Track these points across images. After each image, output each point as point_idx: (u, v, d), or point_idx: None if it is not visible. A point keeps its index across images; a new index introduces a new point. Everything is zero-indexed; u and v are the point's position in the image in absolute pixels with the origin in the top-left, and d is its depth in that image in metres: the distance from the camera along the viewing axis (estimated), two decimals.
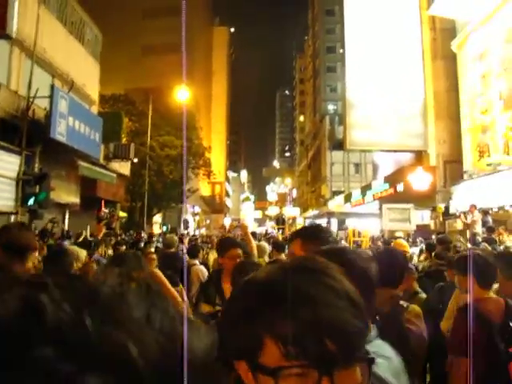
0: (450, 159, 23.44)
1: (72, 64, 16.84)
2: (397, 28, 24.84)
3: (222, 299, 3.26)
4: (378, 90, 24.71)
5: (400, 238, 14.75)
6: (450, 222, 20.64)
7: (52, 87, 12.62)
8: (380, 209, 28.08)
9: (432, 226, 22.36)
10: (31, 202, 11.16)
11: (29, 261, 3.72)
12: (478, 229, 12.23)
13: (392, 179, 26.12)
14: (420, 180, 23.16)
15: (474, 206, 13.22)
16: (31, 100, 11.86)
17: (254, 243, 5.56)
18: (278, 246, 6.41)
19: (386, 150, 26.51)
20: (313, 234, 1.79)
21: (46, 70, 14.91)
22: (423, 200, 23.18)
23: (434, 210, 22.10)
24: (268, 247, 7.15)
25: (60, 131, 12.29)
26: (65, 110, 12.69)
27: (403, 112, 24.60)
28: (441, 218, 21.20)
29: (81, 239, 10.89)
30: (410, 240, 17.32)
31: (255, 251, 5.34)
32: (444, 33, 23.43)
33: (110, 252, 8.97)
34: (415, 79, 24.55)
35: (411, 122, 24.71)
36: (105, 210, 18.21)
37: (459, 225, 19.10)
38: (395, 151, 26.42)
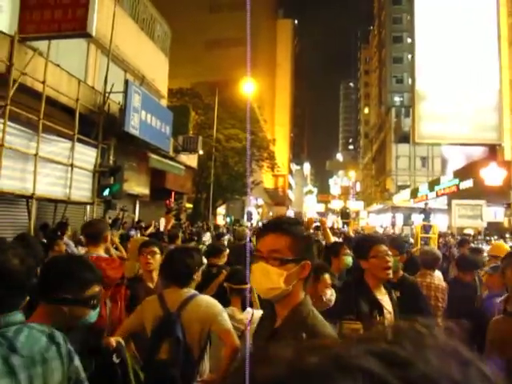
0: None
1: (143, 59, 17.43)
2: (471, 13, 23.59)
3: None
4: (449, 79, 23.68)
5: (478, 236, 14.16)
6: None
7: (126, 82, 13.13)
8: (449, 204, 27.08)
9: (506, 224, 21.31)
10: (106, 192, 11.72)
11: (101, 245, 4.31)
12: None
13: (463, 174, 25.13)
14: (493, 175, 22.11)
15: None
16: (107, 95, 12.41)
17: (332, 239, 5.59)
18: (349, 242, 6.36)
19: (457, 144, 25.43)
20: (282, 227, 1.73)
21: (118, 65, 15.53)
22: (496, 196, 22.10)
23: (508, 206, 21.03)
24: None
25: (133, 125, 12.79)
26: (138, 104, 13.18)
27: (476, 103, 23.45)
28: None
29: (150, 230, 11.32)
30: (481, 237, 16.62)
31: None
32: None
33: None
34: (490, 68, 23.28)
35: (485, 113, 23.51)
36: (174, 202, 18.81)
37: None
38: (467, 145, 25.30)
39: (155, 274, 4.18)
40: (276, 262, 1.63)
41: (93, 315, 2.04)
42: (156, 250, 4.24)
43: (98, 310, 2.08)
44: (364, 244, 3.11)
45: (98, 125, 11.99)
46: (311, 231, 6.82)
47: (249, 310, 3.56)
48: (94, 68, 14.44)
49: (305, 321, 1.63)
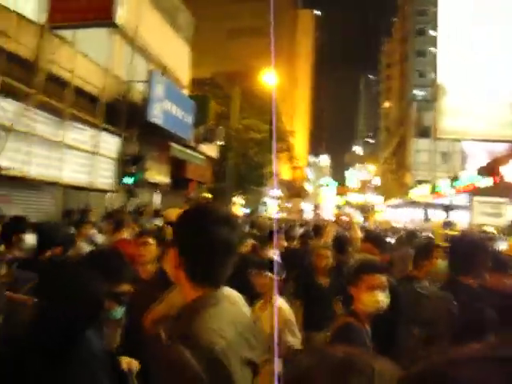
0: None
1: (165, 49, 17.48)
2: (495, 5, 23.14)
3: None
4: (473, 74, 23.29)
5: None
6: None
7: (150, 72, 13.23)
8: (470, 201, 26.76)
9: None
10: (129, 181, 11.88)
11: (123, 232, 4.44)
12: None
13: (484, 170, 24.72)
14: None
15: None
16: (131, 84, 12.53)
17: (359, 234, 5.57)
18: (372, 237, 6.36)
19: (479, 140, 25.08)
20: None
21: (141, 55, 15.62)
22: None
23: None
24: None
25: (156, 114, 12.89)
26: (161, 94, 13.27)
27: (501, 99, 23.07)
28: None
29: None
30: (504, 236, 16.39)
31: (359, 243, 5.35)
32: None
33: None
34: None
35: (508, 109, 23.12)
36: (193, 191, 18.93)
37: None
38: (488, 141, 24.93)
39: (151, 267, 3.71)
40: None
41: (119, 311, 2.13)
42: (150, 240, 3.84)
43: (124, 308, 2.15)
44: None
45: (121, 114, 12.12)
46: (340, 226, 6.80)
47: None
48: (119, 57, 14.57)
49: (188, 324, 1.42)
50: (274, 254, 4.05)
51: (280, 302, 3.53)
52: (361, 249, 5.06)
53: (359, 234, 5.53)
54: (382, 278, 2.59)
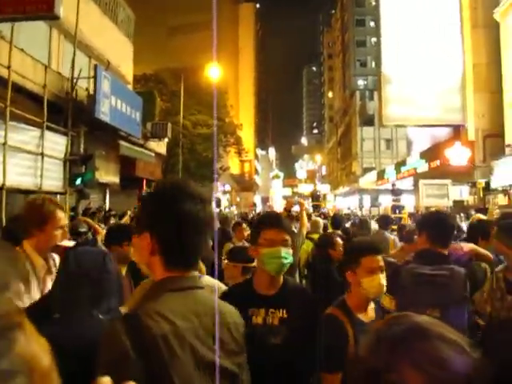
0: (490, 133, 22.78)
1: (107, 45, 16.90)
2: None
3: None
4: (415, 62, 24.01)
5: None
6: (490, 198, 20.21)
7: (95, 67, 12.71)
8: (415, 185, 27.66)
9: (470, 202, 21.94)
10: (78, 181, 11.37)
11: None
12: None
13: (428, 155, 25.64)
14: (458, 155, 22.66)
15: None
16: (75, 81, 11.98)
17: (306, 221, 5.56)
18: (336, 222, 6.41)
19: (423, 126, 25.92)
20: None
21: (82, 50, 15.01)
22: (461, 176, 22.71)
23: (473, 185, 21.65)
24: (321, 222, 7.12)
25: (103, 111, 12.41)
26: (107, 90, 12.79)
27: (441, 85, 23.92)
28: (481, 194, 20.74)
29: (125, 219, 11.04)
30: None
31: (305, 230, 5.31)
32: (485, 0, 22.52)
33: None
34: (454, 50, 23.74)
35: (449, 95, 24.02)
36: (145, 189, 18.47)
37: (501, 200, 18.70)
38: (432, 126, 25.82)
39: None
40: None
41: None
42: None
43: None
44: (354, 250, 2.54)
45: (66, 112, 11.57)
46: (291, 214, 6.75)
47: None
48: (58, 53, 13.92)
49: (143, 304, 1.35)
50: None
51: None
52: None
53: (306, 224, 5.49)
54: (381, 259, 2.42)
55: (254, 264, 3.52)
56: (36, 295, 2.38)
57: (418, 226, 3.41)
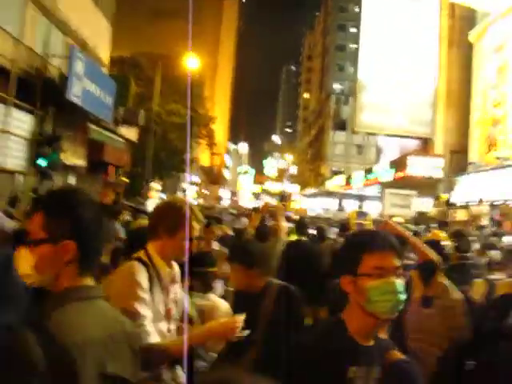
0: (456, 149, 23.44)
1: (85, 24, 16.44)
2: (415, 12, 24.47)
3: None
4: (391, 73, 24.49)
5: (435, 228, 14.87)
6: (451, 212, 20.78)
7: (70, 47, 12.38)
8: (381, 193, 28.18)
9: (433, 214, 22.50)
10: (43, 162, 11.08)
11: None
12: (485, 222, 12.31)
13: (396, 164, 26.15)
14: (424, 167, 23.21)
15: (481, 200, 13.28)
16: (48, 59, 11.65)
17: (284, 225, 5.47)
18: (301, 227, 6.39)
19: (393, 135, 26.43)
20: (38, 203, 1.47)
21: (58, 27, 14.58)
22: (425, 188, 23.27)
23: (437, 198, 22.21)
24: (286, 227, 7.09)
25: (75, 93, 12.09)
26: (81, 72, 12.46)
27: (414, 98, 24.46)
28: (443, 207, 21.30)
29: None
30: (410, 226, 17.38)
31: (284, 233, 5.28)
32: (462, 21, 23.11)
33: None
34: (429, 66, 24.32)
35: (421, 108, 24.60)
36: (112, 175, 18.16)
37: (461, 215, 19.24)
38: (402, 137, 26.37)
39: None
40: (28, 246, 1.40)
41: None
42: None
43: None
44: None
45: (35, 90, 11.24)
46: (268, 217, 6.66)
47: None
48: (32, 28, 13.48)
49: (49, 314, 1.30)
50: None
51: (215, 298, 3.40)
52: None
53: (285, 228, 5.43)
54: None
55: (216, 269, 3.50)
56: (160, 306, 2.15)
57: None
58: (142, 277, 2.07)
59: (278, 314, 2.79)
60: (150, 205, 19.13)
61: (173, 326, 2.24)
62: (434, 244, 4.04)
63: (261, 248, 2.38)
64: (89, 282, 1.39)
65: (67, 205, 1.39)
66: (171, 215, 2.23)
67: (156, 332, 2.04)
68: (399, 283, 1.57)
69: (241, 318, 2.12)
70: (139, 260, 2.16)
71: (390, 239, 1.65)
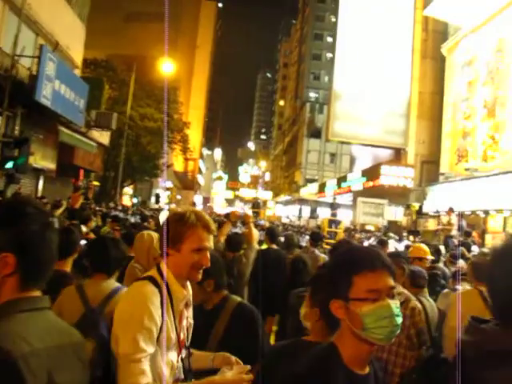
0: (428, 160, 23.84)
1: (57, 24, 16.14)
2: (390, 25, 24.87)
3: None
4: (365, 83, 24.79)
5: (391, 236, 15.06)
6: (422, 221, 21.09)
7: (41, 47, 12.09)
8: (354, 201, 28.44)
9: (404, 223, 22.81)
10: (9, 165, 10.74)
11: None
12: (454, 232, 12.49)
13: (369, 173, 26.44)
14: (396, 177, 23.54)
15: (451, 209, 13.49)
16: (17, 58, 11.35)
17: (256, 233, 5.43)
18: (272, 236, 6.31)
19: (367, 144, 26.72)
20: None
21: (30, 27, 14.26)
22: (397, 197, 23.60)
23: (407, 207, 22.52)
24: (257, 235, 7.04)
25: (45, 94, 11.80)
26: (52, 73, 12.18)
27: (387, 108, 24.81)
28: (414, 217, 21.61)
29: (60, 210, 10.50)
30: (380, 234, 17.61)
31: (255, 242, 5.23)
32: (435, 35, 23.62)
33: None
34: (403, 77, 24.73)
35: (394, 119, 24.96)
36: (82, 180, 17.80)
37: (431, 225, 19.54)
38: (375, 146, 26.68)
39: None
40: None
41: None
42: None
43: None
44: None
45: (3, 90, 10.92)
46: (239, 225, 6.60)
47: None
48: (1, 26, 13.14)
49: None
50: None
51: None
52: None
53: (256, 237, 5.38)
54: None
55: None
56: (171, 333, 1.90)
57: None
58: (155, 301, 1.84)
59: (230, 335, 2.59)
60: (162, 218, 18.77)
61: (184, 355, 2.04)
62: (396, 256, 4.01)
63: (214, 260, 2.17)
64: (35, 293, 1.34)
65: (10, 217, 1.33)
66: (173, 226, 1.99)
67: (164, 363, 1.87)
68: (395, 305, 1.45)
69: (250, 376, 1.92)
70: (151, 279, 1.92)
71: (380, 256, 1.51)
